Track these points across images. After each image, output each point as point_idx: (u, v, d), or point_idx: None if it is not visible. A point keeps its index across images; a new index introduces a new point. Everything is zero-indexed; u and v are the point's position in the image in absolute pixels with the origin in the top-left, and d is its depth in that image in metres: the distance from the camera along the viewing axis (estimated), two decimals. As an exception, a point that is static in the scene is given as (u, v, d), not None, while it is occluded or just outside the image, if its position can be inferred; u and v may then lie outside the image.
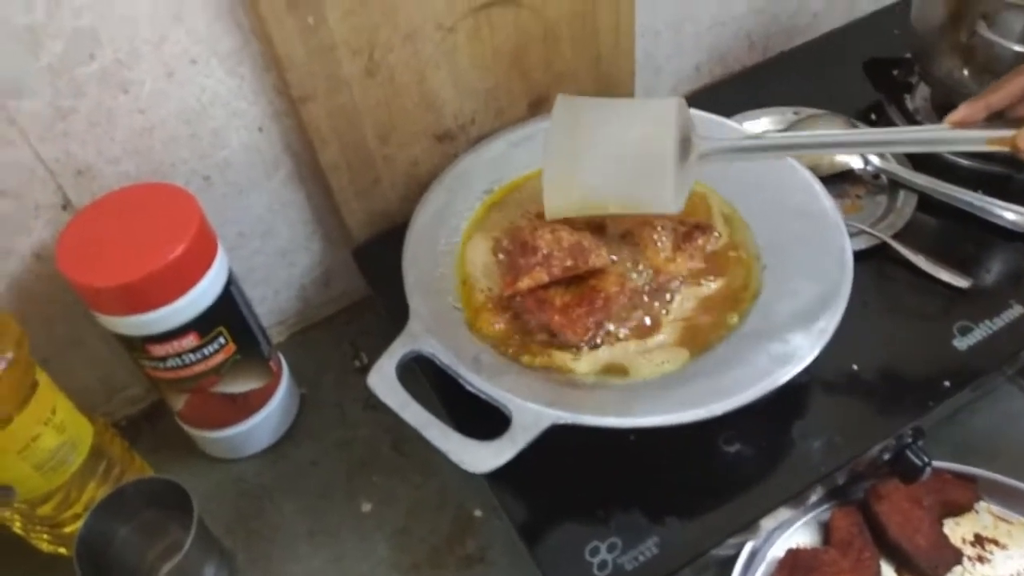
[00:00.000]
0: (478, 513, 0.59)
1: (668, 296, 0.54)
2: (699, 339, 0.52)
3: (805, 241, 0.53)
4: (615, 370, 0.51)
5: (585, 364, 0.51)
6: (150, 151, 0.54)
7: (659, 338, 0.52)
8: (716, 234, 0.56)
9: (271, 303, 0.69)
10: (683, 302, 0.54)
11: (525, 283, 0.53)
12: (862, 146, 0.60)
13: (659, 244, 0.54)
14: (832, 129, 0.67)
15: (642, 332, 0.52)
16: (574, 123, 0.54)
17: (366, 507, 0.60)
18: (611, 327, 0.52)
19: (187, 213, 0.51)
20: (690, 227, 0.55)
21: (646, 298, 0.53)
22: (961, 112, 0.49)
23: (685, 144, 0.52)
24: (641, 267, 0.54)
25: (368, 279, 0.65)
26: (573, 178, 0.53)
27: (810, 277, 0.52)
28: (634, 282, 0.53)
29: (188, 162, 0.57)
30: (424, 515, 0.59)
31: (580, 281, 0.54)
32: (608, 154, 0.53)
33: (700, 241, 0.54)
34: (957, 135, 0.49)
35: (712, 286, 0.54)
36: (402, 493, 0.60)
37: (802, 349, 0.47)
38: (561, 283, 0.54)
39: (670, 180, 0.50)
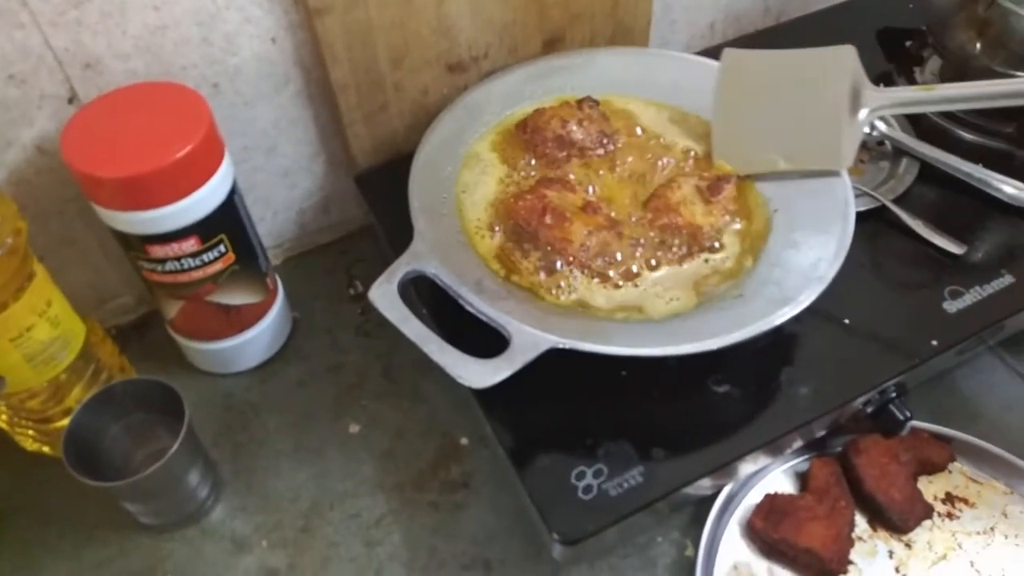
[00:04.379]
0: (464, 441, 0.59)
1: (714, 245, 0.54)
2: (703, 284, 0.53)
3: (810, 193, 0.54)
4: (630, 309, 0.52)
5: (602, 299, 0.52)
6: (161, 50, 0.54)
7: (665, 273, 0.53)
8: (735, 178, 0.56)
9: (269, 224, 0.69)
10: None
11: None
12: None
13: (686, 201, 0.54)
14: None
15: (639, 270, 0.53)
16: (742, 78, 0.54)
17: (353, 428, 0.60)
18: (564, 266, 0.52)
19: (197, 114, 0.50)
20: (712, 179, 0.55)
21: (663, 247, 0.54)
22: None
23: (855, 97, 0.51)
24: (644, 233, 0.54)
25: (370, 206, 0.65)
26: (741, 137, 0.53)
27: (813, 227, 0.52)
28: (626, 231, 0.54)
29: (198, 66, 0.56)
30: (411, 439, 0.60)
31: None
32: (778, 111, 0.53)
33: (727, 191, 0.54)
34: None
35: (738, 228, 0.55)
36: (390, 417, 0.61)
37: (798, 295, 0.48)
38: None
39: (842, 137, 0.50)
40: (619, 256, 0.52)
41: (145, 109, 0.51)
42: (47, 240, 0.59)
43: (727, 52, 0.55)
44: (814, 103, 0.52)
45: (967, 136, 0.65)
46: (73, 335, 0.54)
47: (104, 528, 0.55)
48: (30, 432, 0.57)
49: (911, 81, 0.70)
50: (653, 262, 0.52)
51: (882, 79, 0.71)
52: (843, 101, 0.50)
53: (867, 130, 0.65)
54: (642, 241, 0.52)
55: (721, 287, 0.51)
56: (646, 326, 0.49)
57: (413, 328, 0.47)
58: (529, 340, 0.46)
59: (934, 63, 0.71)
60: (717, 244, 0.53)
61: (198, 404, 0.61)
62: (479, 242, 0.53)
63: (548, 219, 0.51)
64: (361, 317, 0.67)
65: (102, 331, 0.59)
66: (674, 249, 0.52)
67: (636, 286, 0.51)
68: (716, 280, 0.52)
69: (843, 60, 0.52)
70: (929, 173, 0.63)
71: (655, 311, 0.50)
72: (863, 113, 0.51)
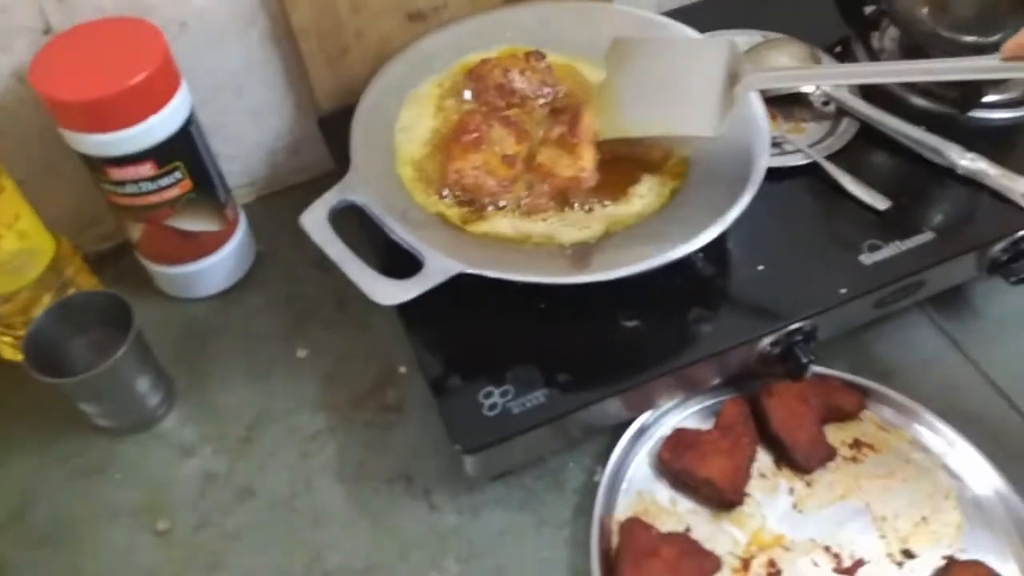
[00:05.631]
0: (402, 369, 0.63)
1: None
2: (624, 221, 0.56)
3: (731, 143, 0.56)
4: (538, 238, 0.55)
5: (508, 225, 0.55)
6: (128, -13, 0.58)
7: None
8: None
9: (242, 163, 0.72)
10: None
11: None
12: (901, 75, 0.59)
13: (552, 158, 0.57)
14: (801, 55, 0.69)
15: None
16: (627, 60, 0.58)
17: (301, 353, 0.64)
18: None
19: (153, 47, 0.54)
20: (567, 120, 0.58)
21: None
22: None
23: (732, 76, 0.55)
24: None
25: (331, 148, 0.68)
26: (623, 108, 0.57)
27: (729, 175, 0.54)
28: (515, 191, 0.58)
29: (165, 5, 0.60)
30: (353, 365, 0.63)
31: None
32: (655, 89, 0.57)
33: (586, 120, 0.56)
34: (1007, 65, 0.48)
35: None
36: (337, 344, 0.65)
37: (697, 236, 0.51)
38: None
39: (716, 107, 0.54)
40: (498, 203, 0.57)
41: (108, 42, 0.55)
42: (30, 165, 0.63)
43: (616, 40, 0.60)
44: (690, 79, 0.56)
45: (913, 99, 0.66)
46: (41, 250, 0.59)
47: (66, 429, 0.60)
48: (7, 339, 0.62)
49: (867, 46, 0.71)
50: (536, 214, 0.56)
51: (840, 43, 0.72)
52: (718, 77, 0.55)
53: (812, 89, 0.67)
54: (523, 201, 0.57)
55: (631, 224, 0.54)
56: (554, 258, 0.52)
57: (336, 250, 0.51)
58: (440, 265, 0.49)
59: (892, 31, 0.72)
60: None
61: (161, 324, 0.66)
62: (405, 172, 0.57)
63: (467, 137, 0.55)
64: (321, 253, 0.71)
65: (72, 249, 0.63)
66: (554, 207, 0.56)
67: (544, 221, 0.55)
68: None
69: (719, 46, 0.57)
70: (870, 134, 0.64)
71: (567, 238, 0.54)
72: (739, 88, 0.54)
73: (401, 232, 0.51)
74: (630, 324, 0.54)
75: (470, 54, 0.64)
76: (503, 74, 0.60)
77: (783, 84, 0.63)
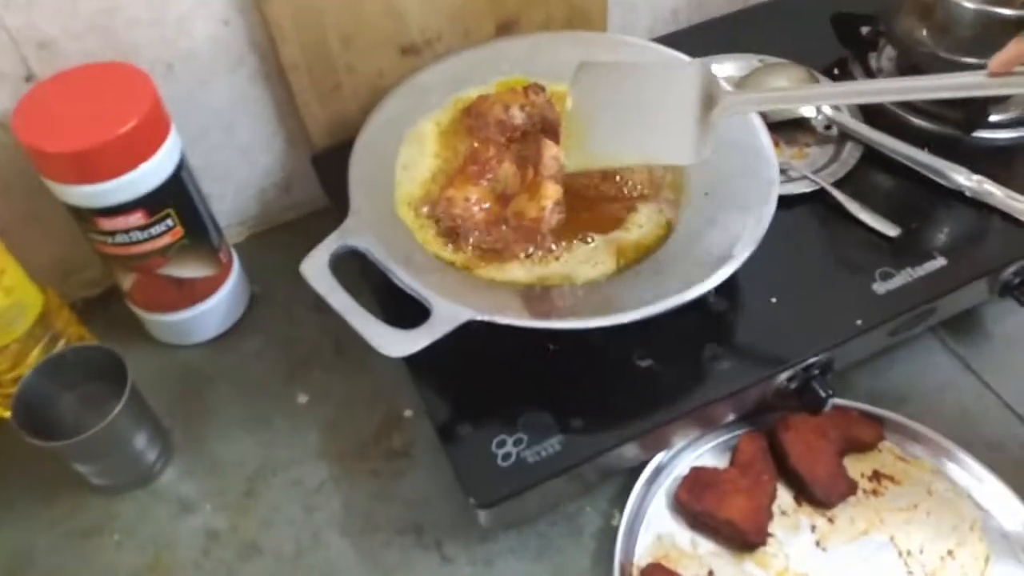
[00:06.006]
0: (408, 413, 0.61)
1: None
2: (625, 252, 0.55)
3: (738, 175, 0.55)
4: (555, 279, 0.54)
5: (521, 272, 0.54)
6: (112, 31, 0.56)
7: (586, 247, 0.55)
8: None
9: (231, 202, 0.71)
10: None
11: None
12: (884, 94, 0.57)
13: (519, 199, 0.55)
14: (799, 79, 0.68)
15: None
16: (594, 87, 0.55)
17: (302, 399, 0.62)
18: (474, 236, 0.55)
19: (142, 93, 0.52)
20: (531, 151, 0.56)
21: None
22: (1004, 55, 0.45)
23: (708, 100, 0.52)
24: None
25: (324, 186, 0.66)
26: (589, 141, 0.53)
27: (737, 208, 0.53)
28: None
29: (151, 47, 0.58)
30: (356, 411, 0.62)
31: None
32: (627, 115, 0.53)
33: (547, 155, 0.54)
34: (994, 81, 0.47)
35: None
36: (338, 389, 0.63)
37: (713, 273, 0.49)
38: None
39: (693, 134, 0.51)
40: (474, 237, 0.55)
41: (94, 88, 0.53)
42: (12, 214, 0.61)
43: (581, 64, 0.56)
44: (662, 104, 0.53)
45: (916, 121, 0.66)
46: (28, 304, 0.56)
47: (60, 488, 0.58)
48: (-7, 397, 0.60)
49: (865, 67, 0.71)
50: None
51: (837, 64, 0.71)
52: (693, 101, 0.51)
53: (813, 113, 0.66)
54: (498, 243, 0.55)
55: (642, 260, 0.53)
56: (563, 300, 0.51)
57: (339, 299, 0.49)
58: (448, 312, 0.47)
59: (890, 51, 0.71)
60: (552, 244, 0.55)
61: (155, 373, 0.63)
62: (406, 213, 0.55)
63: (473, 168, 0.53)
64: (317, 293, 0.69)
65: (59, 301, 0.61)
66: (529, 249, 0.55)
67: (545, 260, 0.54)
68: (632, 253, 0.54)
69: (691, 69, 0.54)
70: (874, 158, 0.64)
71: (582, 276, 0.53)
72: (716, 112, 0.51)
73: (407, 279, 0.49)
74: (644, 364, 0.52)
75: (467, 87, 0.63)
76: (504, 110, 0.59)
77: (760, 107, 0.59)
